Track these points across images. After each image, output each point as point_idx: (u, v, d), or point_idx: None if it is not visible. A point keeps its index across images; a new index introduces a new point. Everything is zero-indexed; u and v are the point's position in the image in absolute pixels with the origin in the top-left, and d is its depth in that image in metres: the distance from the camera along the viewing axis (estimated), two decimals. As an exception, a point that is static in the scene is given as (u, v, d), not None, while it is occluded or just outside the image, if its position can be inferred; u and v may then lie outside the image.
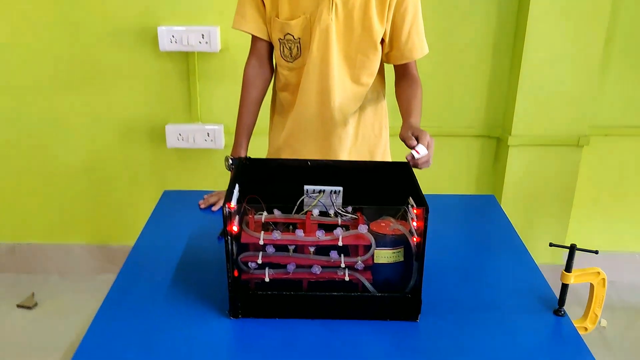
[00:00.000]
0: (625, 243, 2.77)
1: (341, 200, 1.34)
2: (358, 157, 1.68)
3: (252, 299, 1.20)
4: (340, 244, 1.19)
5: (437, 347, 1.16)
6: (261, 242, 1.19)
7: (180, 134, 2.47)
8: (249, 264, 1.21)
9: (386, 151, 1.74)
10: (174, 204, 1.70)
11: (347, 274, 1.20)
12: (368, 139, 1.68)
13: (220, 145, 2.48)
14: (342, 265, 1.20)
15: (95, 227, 2.73)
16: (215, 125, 2.46)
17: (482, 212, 1.68)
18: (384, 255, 1.23)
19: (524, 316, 1.24)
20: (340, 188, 1.33)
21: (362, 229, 1.19)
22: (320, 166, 1.34)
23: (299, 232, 1.19)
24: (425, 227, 1.13)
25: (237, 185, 1.24)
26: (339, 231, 1.20)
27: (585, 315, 1.26)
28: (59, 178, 2.63)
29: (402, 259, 1.24)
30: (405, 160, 1.35)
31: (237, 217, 1.22)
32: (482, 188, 2.64)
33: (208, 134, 2.46)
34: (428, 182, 2.51)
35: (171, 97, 2.49)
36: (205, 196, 1.69)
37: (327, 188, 1.33)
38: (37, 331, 2.40)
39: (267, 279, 1.20)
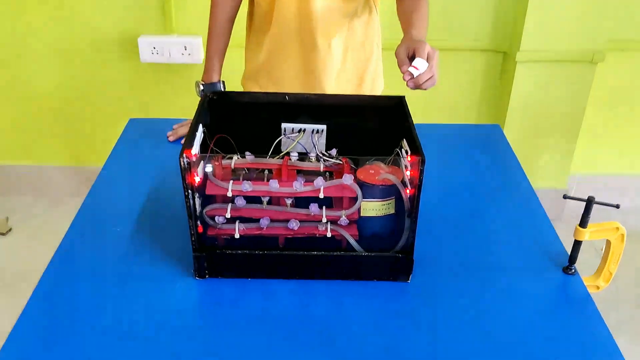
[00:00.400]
0: (635, 166, 2.62)
1: (324, 141, 1.16)
2: (346, 83, 1.47)
3: (220, 258, 1.04)
4: (321, 196, 1.02)
5: (430, 310, 1.02)
6: (229, 194, 1.02)
7: (154, 47, 2.23)
8: (216, 218, 1.04)
9: (378, 75, 1.53)
10: (139, 135, 1.51)
11: (329, 230, 1.05)
12: (357, 61, 1.47)
13: (198, 59, 2.25)
14: (324, 219, 1.04)
15: (69, 147, 2.55)
16: (192, 38, 2.22)
17: (486, 146, 1.50)
18: (372, 208, 1.06)
19: (529, 274, 1.10)
20: (324, 127, 1.15)
21: (347, 179, 1.02)
22: (301, 101, 1.14)
23: (273, 183, 1.02)
24: (421, 180, 0.96)
25: (200, 127, 1.06)
26: (320, 181, 1.02)
27: (599, 273, 1.12)
28: (28, 95, 2.41)
29: (392, 211, 1.08)
30: (403, 91, 1.16)
31: (201, 164, 1.05)
32: (485, 108, 2.44)
33: (185, 47, 2.23)
34: (427, 101, 2.34)
35: (144, 6, 2.23)
36: (175, 126, 1.51)
37: (309, 127, 1.15)
38: (13, 257, 2.29)
39: (237, 235, 1.04)
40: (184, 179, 0.96)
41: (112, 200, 1.26)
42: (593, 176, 2.60)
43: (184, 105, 2.33)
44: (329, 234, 1.05)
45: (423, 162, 0.94)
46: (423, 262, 1.09)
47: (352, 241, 1.05)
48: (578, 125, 2.35)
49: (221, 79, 1.47)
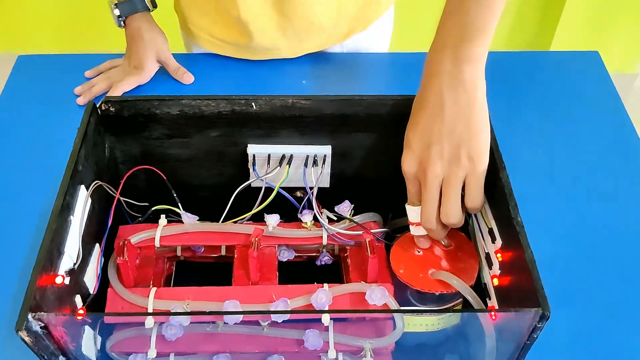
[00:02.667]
0: None
1: (329, 172, 0.63)
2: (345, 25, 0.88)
3: None
4: (325, 323, 0.53)
5: None
6: (148, 325, 0.53)
7: None
8: (132, 357, 0.56)
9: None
10: (33, 88, 0.95)
11: (341, 367, 0.57)
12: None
13: None
14: (332, 354, 0.55)
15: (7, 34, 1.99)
16: None
17: (583, 91, 0.93)
18: (420, 323, 0.58)
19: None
20: (327, 150, 0.61)
21: (375, 295, 0.52)
22: (280, 110, 0.58)
23: (231, 304, 0.52)
24: (533, 338, 0.46)
25: (82, 190, 0.53)
26: (323, 296, 0.52)
27: None
28: None
29: (456, 321, 0.59)
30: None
31: (91, 265, 0.54)
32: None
33: None
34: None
35: None
36: (89, 73, 0.94)
37: (298, 151, 0.61)
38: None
39: (173, 384, 0.57)
40: (39, 354, 0.46)
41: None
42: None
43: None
44: (341, 376, 0.57)
45: (544, 318, 0.44)
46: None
47: (384, 389, 0.57)
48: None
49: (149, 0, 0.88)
